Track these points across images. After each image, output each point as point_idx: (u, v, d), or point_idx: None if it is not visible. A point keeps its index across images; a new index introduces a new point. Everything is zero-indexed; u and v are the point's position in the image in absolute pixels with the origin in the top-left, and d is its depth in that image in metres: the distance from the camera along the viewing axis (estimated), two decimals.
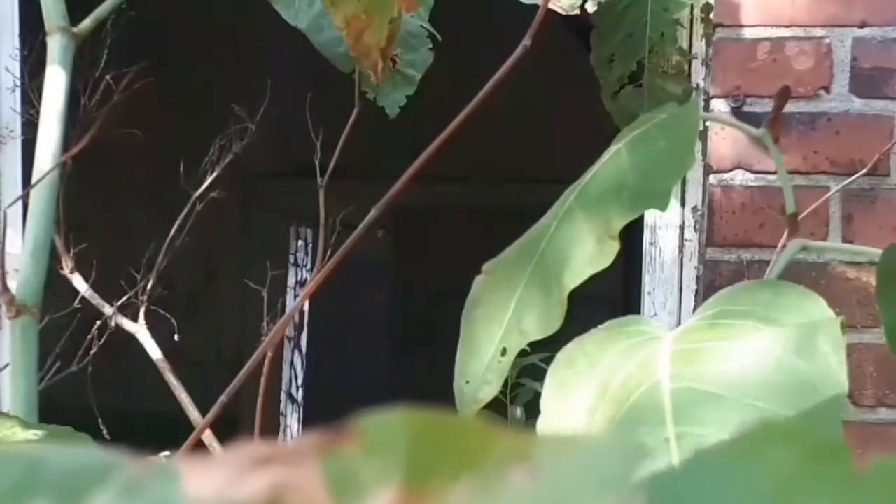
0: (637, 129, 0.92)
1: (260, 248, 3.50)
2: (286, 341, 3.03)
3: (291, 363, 3.13)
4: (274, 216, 3.71)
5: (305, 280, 3.06)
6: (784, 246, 1.58)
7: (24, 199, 1.38)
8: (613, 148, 0.92)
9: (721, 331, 0.78)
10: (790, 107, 1.69)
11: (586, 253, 0.84)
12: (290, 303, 2.55)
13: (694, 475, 0.26)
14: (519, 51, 1.40)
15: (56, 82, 1.24)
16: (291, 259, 3.15)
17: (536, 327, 0.86)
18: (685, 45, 1.73)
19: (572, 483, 0.26)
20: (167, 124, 3.22)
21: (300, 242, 3.26)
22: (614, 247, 0.83)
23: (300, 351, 3.16)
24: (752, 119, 1.68)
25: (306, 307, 2.88)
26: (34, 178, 1.25)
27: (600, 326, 0.81)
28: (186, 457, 0.28)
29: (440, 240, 3.89)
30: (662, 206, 0.87)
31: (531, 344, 0.92)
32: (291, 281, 3.04)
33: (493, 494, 0.27)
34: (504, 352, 0.89)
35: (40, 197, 1.19)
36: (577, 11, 1.58)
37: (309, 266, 3.11)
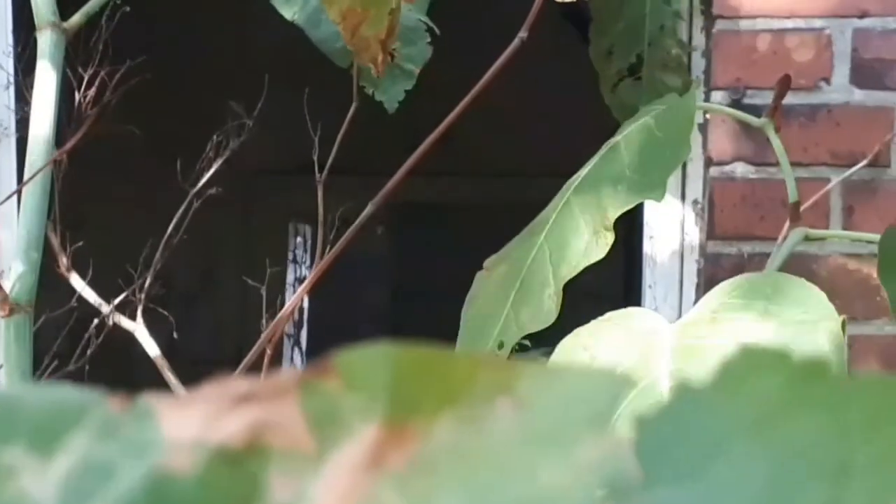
0: (636, 122, 0.91)
1: (258, 245, 3.49)
2: (286, 338, 3.03)
3: (291, 360, 3.12)
4: (272, 213, 3.70)
5: (304, 277, 3.05)
6: (786, 237, 1.57)
7: (18, 196, 1.37)
8: (612, 140, 0.91)
9: (722, 325, 0.78)
10: (790, 98, 1.68)
11: (582, 244, 0.83)
12: (289, 300, 2.55)
13: (679, 409, 0.26)
14: (515, 43, 1.39)
15: (47, 78, 1.23)
16: (290, 256, 3.15)
17: (532, 320, 0.85)
18: (685, 38, 1.72)
19: (559, 416, 0.25)
20: (163, 121, 3.21)
21: (298, 239, 3.25)
22: (609, 238, 0.83)
23: (300, 348, 3.15)
24: (753, 111, 1.66)
25: (306, 304, 2.87)
26: (26, 175, 1.24)
27: (600, 318, 0.81)
28: (162, 396, 0.27)
29: (439, 236, 3.89)
30: (658, 197, 0.87)
31: (534, 339, 0.91)
32: (290, 278, 3.03)
33: (477, 427, 0.26)
34: (501, 345, 0.89)
35: (32, 194, 1.18)
36: None
37: (308, 263, 3.10)
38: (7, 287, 1.09)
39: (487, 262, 0.91)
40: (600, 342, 0.77)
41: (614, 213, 0.83)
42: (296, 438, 0.26)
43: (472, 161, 3.58)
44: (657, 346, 0.77)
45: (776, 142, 0.97)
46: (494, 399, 0.26)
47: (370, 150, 2.63)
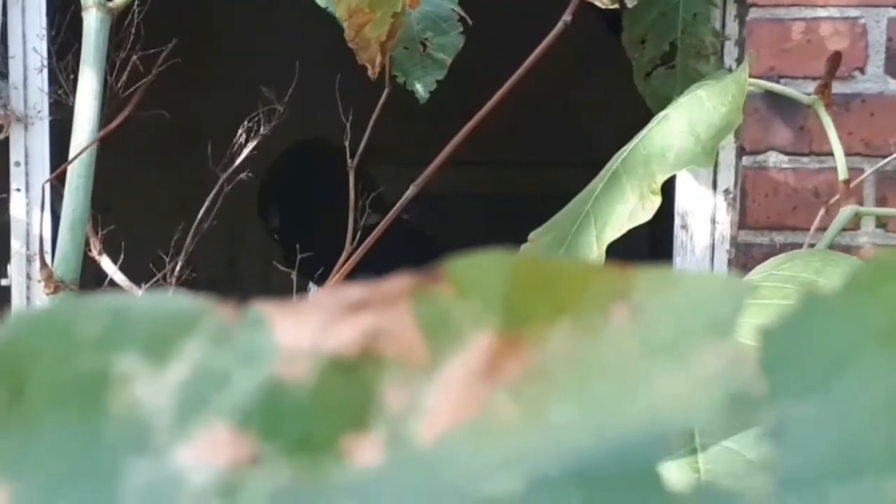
0: (686, 95, 0.92)
1: None
2: None
3: None
4: None
5: None
6: (819, 228, 1.57)
7: (59, 177, 1.38)
8: (662, 113, 0.92)
9: (765, 291, 0.78)
10: None
11: (628, 209, 0.84)
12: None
13: (805, 318, 0.25)
14: (559, 27, 1.39)
15: (92, 58, 1.24)
16: None
17: None
18: (718, 26, 1.71)
19: (677, 323, 0.25)
20: (193, 105, 3.21)
21: None
22: (656, 202, 0.83)
23: None
24: (786, 100, 1.66)
25: None
26: (71, 155, 1.25)
27: None
28: (277, 303, 0.27)
29: (465, 225, 3.88)
30: (707, 165, 0.87)
31: None
32: None
33: (592, 336, 0.25)
34: None
35: (78, 174, 1.19)
36: (616, 6, 1.56)
37: None
38: (51, 266, 1.10)
39: (533, 234, 0.91)
40: None
41: (662, 178, 0.83)
42: (409, 346, 0.26)
43: (500, 151, 3.57)
44: None
45: (826, 118, 0.97)
46: (610, 306, 0.26)
47: (398, 139, 2.62)
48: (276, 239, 3.28)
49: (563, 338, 0.26)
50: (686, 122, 0.87)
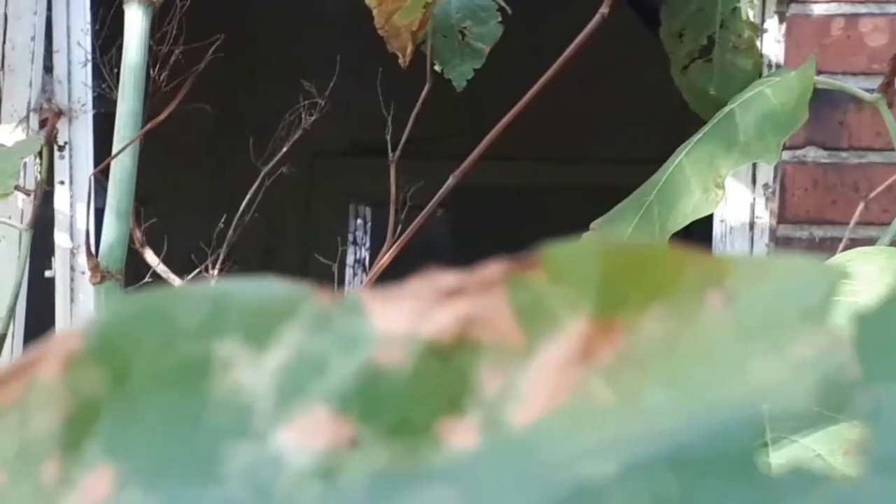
0: (749, 92, 0.93)
1: (319, 225, 3.50)
2: None
3: None
4: (330, 194, 3.71)
5: (364, 259, 3.06)
6: (858, 222, 1.56)
7: (102, 170, 1.39)
8: (726, 109, 0.93)
9: None
10: (864, 83, 1.67)
11: (692, 201, 0.85)
12: (350, 280, 2.56)
13: None
14: (596, 19, 1.39)
15: (134, 50, 1.25)
16: (350, 237, 3.15)
17: None
18: (757, 21, 1.71)
19: (771, 310, 0.26)
20: (235, 98, 3.23)
21: (359, 221, 3.25)
22: (719, 194, 0.84)
23: None
24: (826, 95, 1.66)
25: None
26: (115, 146, 1.26)
27: None
28: (373, 290, 0.27)
29: (502, 220, 3.88)
30: (771, 160, 0.88)
31: None
32: (350, 259, 3.04)
33: (685, 322, 0.26)
34: None
35: (122, 166, 1.20)
36: None
37: (367, 244, 3.11)
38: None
39: (594, 224, 0.92)
40: None
41: (727, 171, 0.84)
42: (504, 332, 0.27)
43: (538, 145, 3.57)
44: None
45: (889, 118, 0.97)
46: (703, 293, 0.26)
47: (433, 134, 2.63)
48: None
49: (657, 323, 0.26)
50: (751, 119, 0.88)
